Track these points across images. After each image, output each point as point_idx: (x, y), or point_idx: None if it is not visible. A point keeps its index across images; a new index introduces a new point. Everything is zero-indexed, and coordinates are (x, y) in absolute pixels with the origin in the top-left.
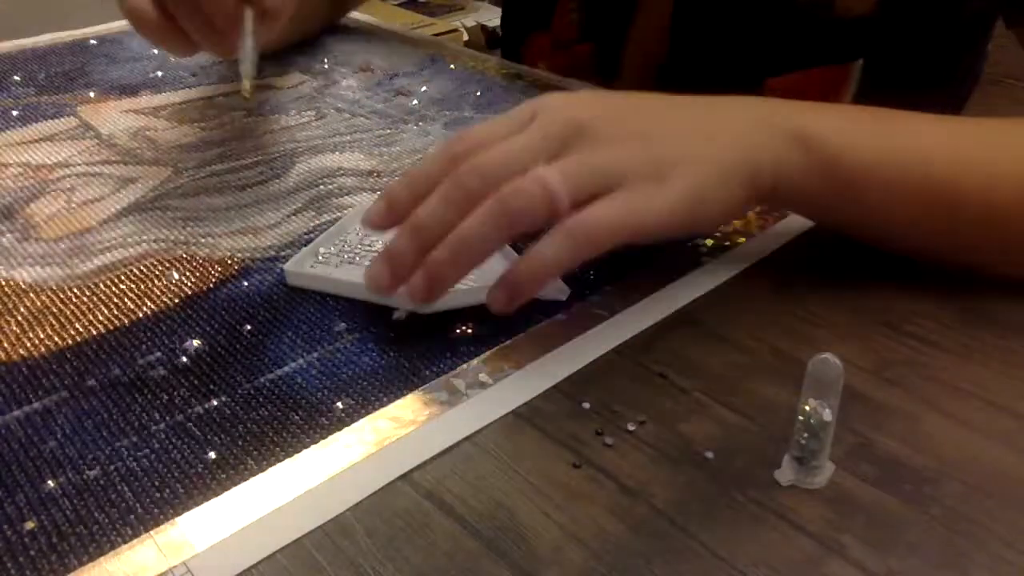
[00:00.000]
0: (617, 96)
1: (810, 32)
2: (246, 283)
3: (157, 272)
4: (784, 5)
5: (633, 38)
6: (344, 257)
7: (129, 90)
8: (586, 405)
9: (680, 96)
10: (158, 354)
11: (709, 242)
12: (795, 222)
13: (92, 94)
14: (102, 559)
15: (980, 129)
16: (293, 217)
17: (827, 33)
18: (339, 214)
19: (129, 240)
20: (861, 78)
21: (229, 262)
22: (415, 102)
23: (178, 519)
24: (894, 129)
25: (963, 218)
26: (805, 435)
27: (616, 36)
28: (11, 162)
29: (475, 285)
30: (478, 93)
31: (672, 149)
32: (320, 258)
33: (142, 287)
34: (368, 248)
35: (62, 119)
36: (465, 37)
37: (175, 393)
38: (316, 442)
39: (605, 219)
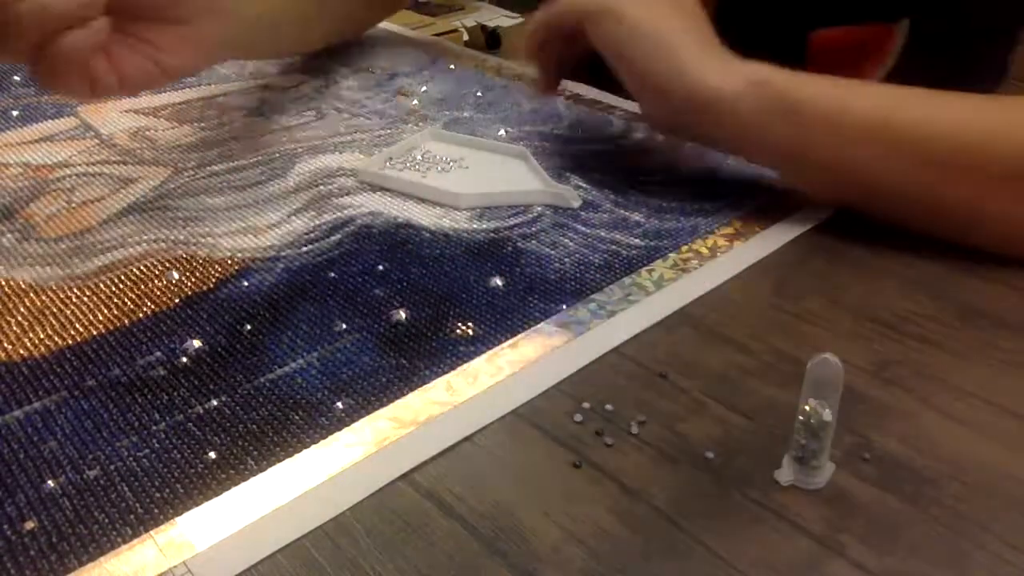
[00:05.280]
0: None
1: None
2: (246, 283)
3: (157, 272)
4: None
5: None
6: (407, 165)
7: None
8: (586, 405)
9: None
10: (158, 354)
11: (708, 243)
12: (795, 222)
13: None
14: (102, 559)
15: (941, 92)
16: (293, 217)
17: None
18: (339, 214)
19: (129, 240)
20: (906, 39)
21: (229, 262)
22: (415, 102)
23: (178, 519)
24: (849, 81)
25: (898, 158)
26: (805, 435)
27: None
28: (11, 162)
29: (512, 190)
30: (478, 93)
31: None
32: (389, 164)
33: (142, 287)
34: (427, 163)
35: (62, 119)
36: (465, 37)
37: (175, 393)
38: (316, 442)
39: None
